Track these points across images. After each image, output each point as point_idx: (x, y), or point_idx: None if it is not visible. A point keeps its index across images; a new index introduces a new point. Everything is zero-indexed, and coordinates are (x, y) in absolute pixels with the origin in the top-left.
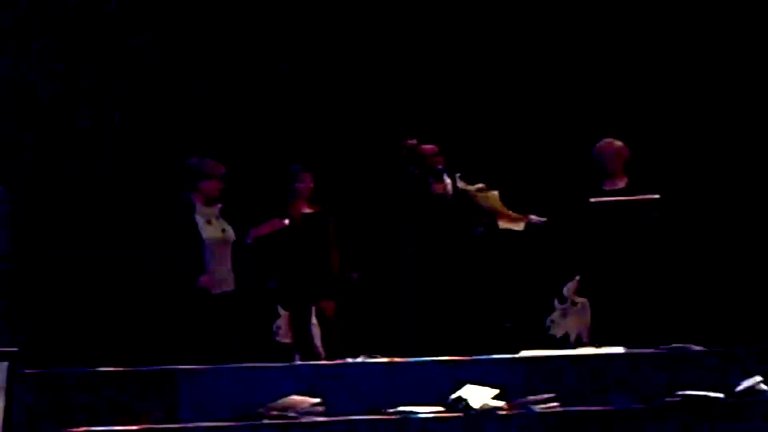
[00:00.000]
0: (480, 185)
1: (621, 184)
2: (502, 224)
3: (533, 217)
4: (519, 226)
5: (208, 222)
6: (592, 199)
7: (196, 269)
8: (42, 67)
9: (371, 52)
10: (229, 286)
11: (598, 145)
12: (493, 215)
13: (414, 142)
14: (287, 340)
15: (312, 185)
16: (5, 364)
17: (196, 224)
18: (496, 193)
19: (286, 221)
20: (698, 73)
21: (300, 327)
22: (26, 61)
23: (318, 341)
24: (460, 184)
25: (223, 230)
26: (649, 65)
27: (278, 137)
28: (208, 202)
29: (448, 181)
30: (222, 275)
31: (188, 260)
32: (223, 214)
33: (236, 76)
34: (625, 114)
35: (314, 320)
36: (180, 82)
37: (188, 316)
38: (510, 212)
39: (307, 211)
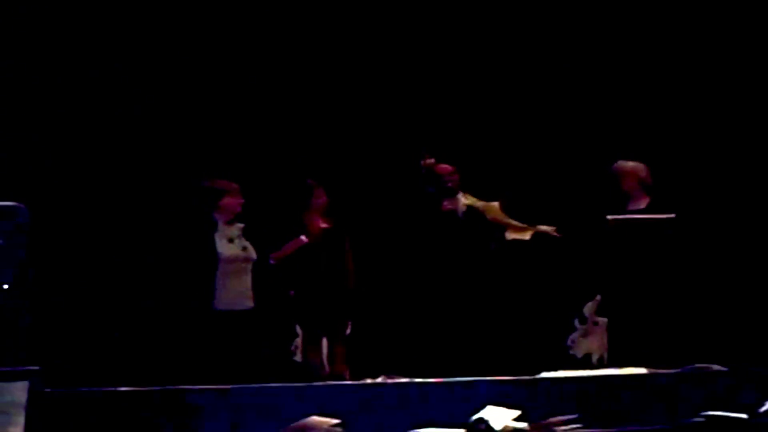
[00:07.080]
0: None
1: (642, 204)
2: (510, 235)
3: (541, 227)
4: (526, 236)
5: (230, 240)
6: (609, 217)
7: (211, 288)
8: (57, 82)
9: (387, 67)
10: (249, 303)
11: (614, 166)
12: (501, 228)
13: (432, 161)
14: None
15: (327, 200)
16: (25, 383)
17: (214, 243)
18: (496, 204)
19: (303, 237)
20: (725, 92)
21: (312, 344)
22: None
23: (325, 359)
24: (467, 200)
25: (244, 248)
26: (675, 84)
27: (293, 153)
28: (230, 221)
29: (461, 199)
30: (242, 293)
31: (205, 279)
32: (245, 234)
33: (251, 92)
34: (650, 133)
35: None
36: (194, 98)
37: (207, 335)
38: (515, 222)
39: (324, 225)
